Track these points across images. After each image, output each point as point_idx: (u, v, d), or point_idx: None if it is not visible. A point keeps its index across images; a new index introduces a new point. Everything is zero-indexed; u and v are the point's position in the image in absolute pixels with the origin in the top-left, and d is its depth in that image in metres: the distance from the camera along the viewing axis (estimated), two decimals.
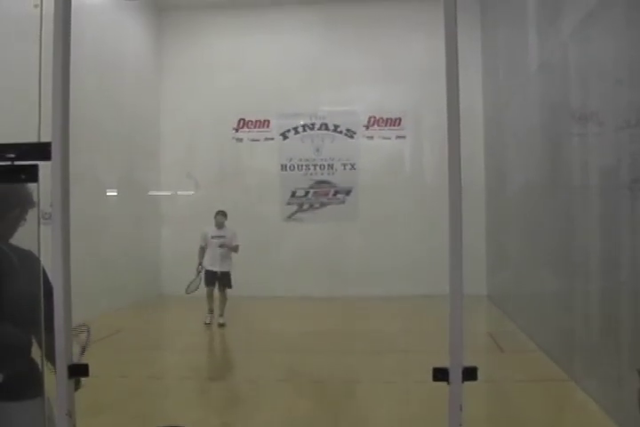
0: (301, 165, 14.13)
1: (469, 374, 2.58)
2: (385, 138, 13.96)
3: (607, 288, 5.94)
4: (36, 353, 2.79)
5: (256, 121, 14.23)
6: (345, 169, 14.04)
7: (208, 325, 10.31)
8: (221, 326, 10.25)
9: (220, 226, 10.69)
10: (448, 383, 2.58)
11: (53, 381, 2.55)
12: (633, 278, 5.28)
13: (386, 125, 13.99)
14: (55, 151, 2.52)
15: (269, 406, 6.34)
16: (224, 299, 10.52)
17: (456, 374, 2.56)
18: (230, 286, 10.59)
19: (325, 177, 14.10)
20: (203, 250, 10.61)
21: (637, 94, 5.16)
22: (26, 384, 2.80)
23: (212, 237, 10.62)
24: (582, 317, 6.68)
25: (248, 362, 7.99)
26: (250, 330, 8.88)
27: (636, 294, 5.20)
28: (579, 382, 6.48)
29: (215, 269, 10.53)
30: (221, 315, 10.42)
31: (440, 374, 2.58)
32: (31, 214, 3.00)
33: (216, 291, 10.54)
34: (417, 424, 5.59)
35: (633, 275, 5.29)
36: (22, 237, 3.04)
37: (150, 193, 13.87)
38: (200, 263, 10.53)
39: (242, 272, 12.77)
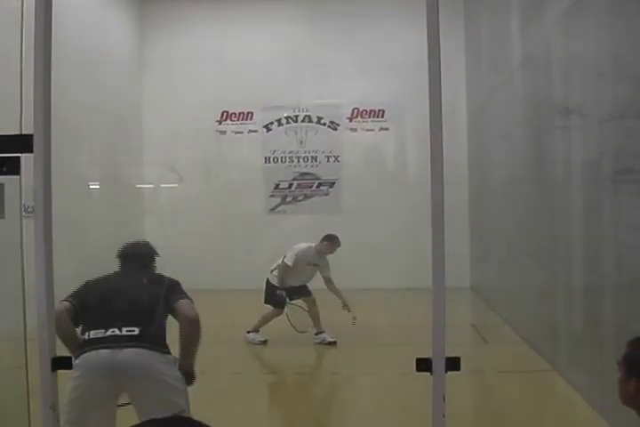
0: (285, 158, 14.10)
1: (452, 364, 2.61)
2: (368, 130, 13.97)
3: (590, 280, 5.98)
4: None
5: (239, 113, 14.16)
6: (328, 161, 14.03)
7: (264, 342, 8.47)
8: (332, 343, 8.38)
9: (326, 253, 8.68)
10: (431, 373, 2.60)
11: None
12: (616, 270, 5.33)
13: (369, 117, 13.99)
14: (37, 143, 2.50)
15: (252, 399, 6.35)
16: (317, 310, 8.57)
17: (439, 364, 2.59)
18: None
19: (309, 169, 14.09)
20: (288, 270, 8.44)
21: (621, 87, 5.19)
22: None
23: (307, 264, 8.55)
24: (565, 308, 6.73)
25: (232, 355, 7.97)
26: (233, 323, 8.85)
27: (619, 287, 5.24)
28: (562, 372, 6.53)
29: (296, 284, 8.62)
30: (322, 329, 8.50)
31: (423, 365, 2.61)
32: (14, 208, 2.99)
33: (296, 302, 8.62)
34: (402, 415, 5.62)
35: (616, 267, 5.33)
36: (3, 231, 3.03)
37: (133, 186, 13.77)
38: (280, 287, 8.42)
39: (225, 265, 12.81)
